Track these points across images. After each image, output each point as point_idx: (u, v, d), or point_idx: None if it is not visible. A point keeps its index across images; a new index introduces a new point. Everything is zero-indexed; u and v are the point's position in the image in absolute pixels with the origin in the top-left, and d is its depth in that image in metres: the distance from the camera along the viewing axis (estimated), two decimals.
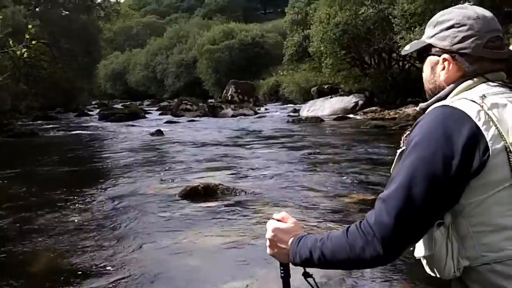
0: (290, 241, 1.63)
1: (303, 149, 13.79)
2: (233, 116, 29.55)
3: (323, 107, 27.75)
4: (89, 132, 22.93)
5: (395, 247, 1.41)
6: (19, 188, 9.61)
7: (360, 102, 27.19)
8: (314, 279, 1.71)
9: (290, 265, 1.70)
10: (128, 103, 54.18)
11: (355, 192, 8.26)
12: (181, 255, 5.53)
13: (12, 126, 22.99)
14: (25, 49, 13.58)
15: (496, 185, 1.40)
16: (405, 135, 1.60)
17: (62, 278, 4.99)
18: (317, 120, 23.65)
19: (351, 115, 25.44)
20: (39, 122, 29.55)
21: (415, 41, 1.77)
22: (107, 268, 5.22)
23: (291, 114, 28.85)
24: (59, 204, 8.01)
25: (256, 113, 31.16)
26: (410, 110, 21.54)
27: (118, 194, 8.66)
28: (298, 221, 1.74)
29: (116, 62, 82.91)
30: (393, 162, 1.66)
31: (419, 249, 1.51)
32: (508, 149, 1.39)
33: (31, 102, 32.57)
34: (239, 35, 56.78)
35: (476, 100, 1.46)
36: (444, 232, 1.44)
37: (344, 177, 9.43)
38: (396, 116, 21.69)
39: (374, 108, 25.62)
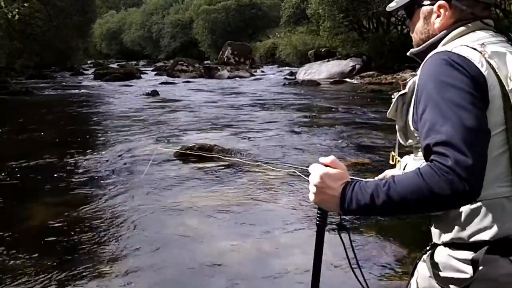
0: (341, 188, 1.50)
1: (298, 112, 13.78)
2: (229, 77, 29.40)
3: (320, 71, 27.60)
4: (84, 92, 22.78)
5: (479, 179, 1.35)
6: (14, 146, 9.61)
7: (357, 66, 27.04)
8: (349, 233, 1.66)
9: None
10: (124, 63, 53.73)
11: (350, 155, 8.29)
12: (176, 215, 5.56)
13: (7, 84, 22.81)
14: (17, 10, 13.40)
15: (492, 129, 1.43)
16: (408, 80, 1.63)
17: (56, 234, 5.04)
18: (314, 84, 23.55)
19: (348, 79, 25.33)
20: (34, 80, 29.28)
21: None
22: (102, 226, 5.26)
23: (288, 77, 28.72)
24: (54, 163, 8.02)
25: (252, 75, 31.00)
26: (407, 75, 21.44)
27: (113, 154, 8.67)
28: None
29: (111, 21, 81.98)
30: (390, 127, 1.66)
31: None
32: (505, 96, 1.45)
33: (26, 61, 32.24)
34: None
35: (477, 47, 1.50)
36: None
37: (340, 141, 9.46)
38: (393, 81, 21.60)
39: (371, 72, 25.51)
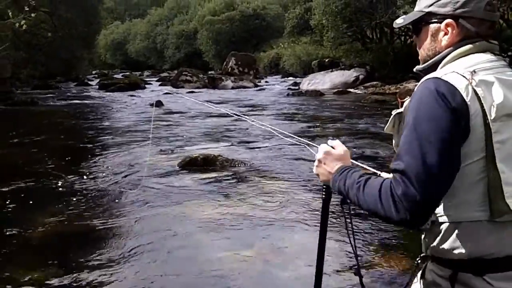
0: (335, 168, 1.77)
1: (302, 122, 13.82)
2: (233, 88, 29.48)
3: (324, 81, 27.63)
4: (89, 102, 22.87)
5: (422, 214, 1.48)
6: (19, 156, 9.65)
7: (361, 77, 27.06)
8: (350, 207, 1.85)
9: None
10: (128, 73, 53.85)
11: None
12: (180, 225, 5.58)
13: (13, 94, 22.92)
14: (24, 21, 13.49)
15: (471, 156, 1.49)
16: (405, 99, 1.68)
17: (61, 245, 5.07)
18: (317, 94, 23.59)
19: (351, 90, 25.35)
20: (39, 90, 29.41)
21: (407, 14, 1.83)
22: (106, 237, 5.28)
23: (291, 87, 28.75)
24: (58, 174, 8.03)
25: (256, 85, 31.05)
26: (411, 85, 21.43)
27: (118, 164, 8.70)
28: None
29: (116, 32, 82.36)
30: (391, 137, 1.72)
31: None
32: (487, 125, 1.48)
33: (31, 71, 32.41)
34: (240, 6, 56.25)
35: (466, 75, 1.52)
36: None
37: None
38: (397, 91, 21.58)
39: (375, 82, 25.52)
